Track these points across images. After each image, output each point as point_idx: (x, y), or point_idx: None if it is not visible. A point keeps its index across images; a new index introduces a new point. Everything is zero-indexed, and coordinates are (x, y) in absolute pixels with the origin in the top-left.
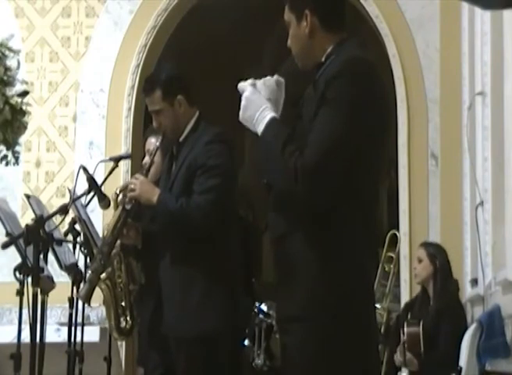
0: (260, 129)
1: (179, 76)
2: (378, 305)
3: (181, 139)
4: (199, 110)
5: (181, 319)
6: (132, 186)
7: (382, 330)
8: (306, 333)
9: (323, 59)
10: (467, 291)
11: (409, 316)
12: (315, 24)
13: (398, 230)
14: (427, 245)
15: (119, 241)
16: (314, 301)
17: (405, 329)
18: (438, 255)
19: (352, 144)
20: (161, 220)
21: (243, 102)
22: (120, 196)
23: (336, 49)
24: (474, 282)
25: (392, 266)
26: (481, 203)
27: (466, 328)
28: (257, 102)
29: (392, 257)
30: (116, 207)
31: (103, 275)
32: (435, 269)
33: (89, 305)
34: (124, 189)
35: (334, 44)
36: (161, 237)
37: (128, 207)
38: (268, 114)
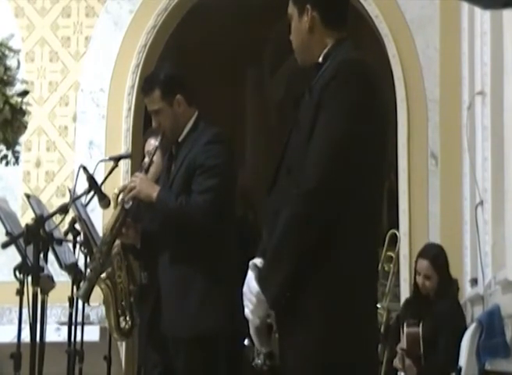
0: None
1: (178, 75)
2: (378, 305)
3: (180, 139)
4: (198, 110)
5: (180, 319)
6: (132, 184)
7: (382, 329)
8: (305, 333)
9: (320, 59)
10: (466, 291)
11: (409, 315)
12: (315, 19)
13: (398, 229)
14: (430, 256)
15: (119, 241)
16: (313, 301)
17: (405, 329)
18: (440, 263)
19: (352, 150)
20: (160, 217)
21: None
22: (120, 196)
23: (333, 50)
24: (474, 282)
25: (391, 265)
26: (481, 203)
27: (466, 328)
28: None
29: (392, 256)
30: (116, 207)
31: (103, 275)
32: (443, 279)
33: (88, 304)
34: (124, 189)
35: (333, 42)
36: (160, 236)
37: (127, 206)
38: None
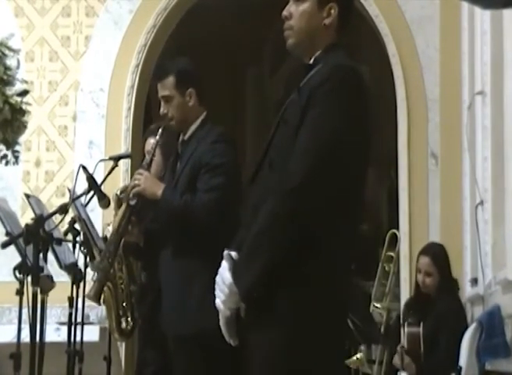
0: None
1: (195, 71)
2: (378, 305)
3: (186, 137)
4: (207, 111)
5: (181, 318)
6: (136, 181)
7: (382, 329)
8: (273, 331)
9: (311, 61)
10: (467, 291)
11: (409, 315)
12: (334, 19)
13: (398, 229)
14: (431, 253)
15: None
16: (286, 300)
17: (405, 329)
18: (441, 260)
19: (338, 149)
20: (165, 215)
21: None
22: (121, 197)
23: (325, 53)
24: (474, 282)
25: (392, 265)
26: (481, 203)
27: (466, 328)
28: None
29: (392, 256)
30: (117, 206)
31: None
32: (443, 278)
33: (99, 304)
34: (125, 189)
35: (327, 45)
36: (163, 234)
37: (132, 203)
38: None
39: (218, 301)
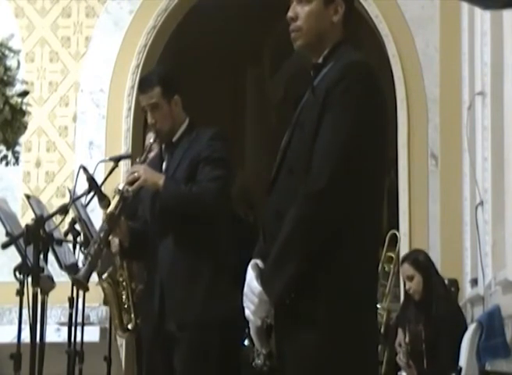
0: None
1: (177, 78)
2: (378, 305)
3: (174, 139)
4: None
5: (186, 306)
6: (135, 174)
7: (382, 329)
8: (306, 333)
9: (320, 60)
10: (467, 291)
11: (407, 317)
12: (341, 16)
13: (398, 230)
14: (409, 259)
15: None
16: (316, 302)
17: (406, 327)
18: (421, 263)
19: (360, 150)
20: (169, 202)
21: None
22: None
23: (334, 51)
24: (474, 282)
25: (392, 266)
26: (481, 203)
27: (466, 329)
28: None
29: (392, 257)
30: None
31: (105, 274)
32: (426, 278)
33: (87, 288)
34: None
35: (334, 43)
36: (162, 224)
37: (127, 195)
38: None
39: (248, 312)
